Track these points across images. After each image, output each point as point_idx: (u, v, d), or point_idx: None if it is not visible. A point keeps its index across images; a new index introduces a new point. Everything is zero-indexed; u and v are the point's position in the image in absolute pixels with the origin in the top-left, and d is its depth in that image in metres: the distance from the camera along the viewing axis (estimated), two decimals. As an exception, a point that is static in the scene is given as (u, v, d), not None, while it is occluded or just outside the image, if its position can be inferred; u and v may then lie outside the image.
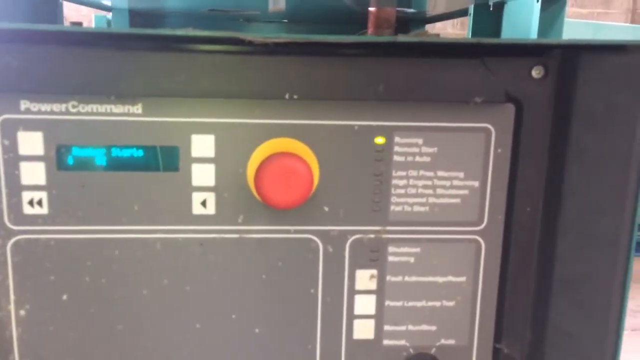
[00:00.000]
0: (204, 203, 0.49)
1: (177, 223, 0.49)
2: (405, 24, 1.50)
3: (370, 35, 0.71)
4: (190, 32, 0.43)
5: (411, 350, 0.54)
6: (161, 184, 0.49)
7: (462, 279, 0.53)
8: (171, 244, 0.50)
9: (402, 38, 0.48)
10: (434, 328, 0.54)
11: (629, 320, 2.46)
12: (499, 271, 0.53)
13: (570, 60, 0.48)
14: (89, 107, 0.47)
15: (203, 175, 0.49)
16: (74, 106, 0.47)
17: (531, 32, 0.85)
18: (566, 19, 0.85)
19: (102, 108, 0.47)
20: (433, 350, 0.54)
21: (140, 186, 0.48)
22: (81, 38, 0.46)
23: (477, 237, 0.52)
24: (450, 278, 0.53)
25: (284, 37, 0.44)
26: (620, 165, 0.49)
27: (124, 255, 0.49)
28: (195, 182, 0.49)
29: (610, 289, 0.51)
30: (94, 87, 0.46)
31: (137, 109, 0.47)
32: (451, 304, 0.53)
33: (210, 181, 0.49)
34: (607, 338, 0.51)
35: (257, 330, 0.52)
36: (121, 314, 0.50)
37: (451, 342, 0.54)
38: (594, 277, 0.51)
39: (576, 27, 2.05)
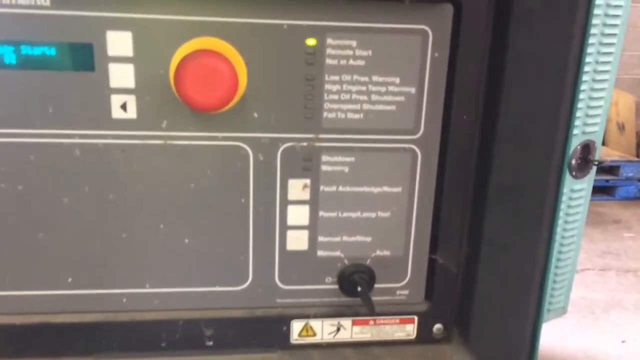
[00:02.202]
0: (124, 106, 0.47)
1: (96, 128, 0.47)
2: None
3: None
4: None
5: (346, 262, 0.53)
6: (76, 85, 0.46)
7: (398, 189, 0.52)
8: (91, 150, 0.47)
9: None
10: (369, 239, 0.53)
11: (597, 261, 2.54)
12: (435, 181, 0.52)
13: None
14: (-9, -1, 0.43)
15: (121, 76, 0.46)
16: (-26, -3, 0.43)
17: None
18: None
19: (6, 0, 0.43)
20: (368, 262, 0.54)
21: (54, 87, 0.45)
22: None
23: (413, 146, 0.51)
24: (386, 188, 0.52)
25: None
26: (556, 71, 0.47)
27: (40, 161, 0.47)
28: (114, 83, 0.46)
29: (544, 199, 0.50)
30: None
31: (45, 1, 0.44)
32: (386, 214, 0.52)
33: (130, 82, 0.46)
34: (539, 249, 0.51)
35: (186, 241, 0.51)
36: (41, 223, 0.48)
37: (386, 253, 0.54)
38: (528, 187, 0.50)
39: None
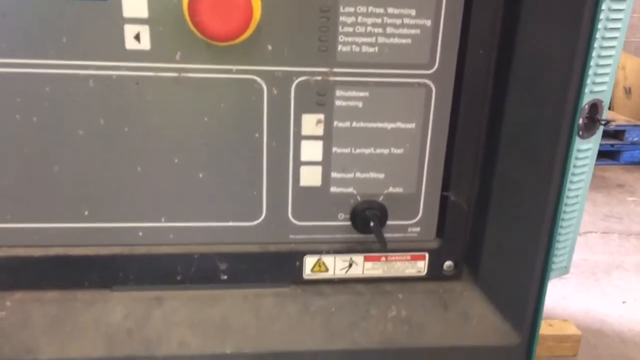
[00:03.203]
0: (137, 37, 0.46)
1: (110, 59, 0.47)
2: None
3: None
4: None
5: (359, 198, 0.54)
6: (90, 14, 0.45)
7: (412, 125, 0.52)
8: (105, 82, 0.47)
9: None
10: (381, 176, 0.53)
11: (600, 224, 2.56)
12: (450, 117, 0.52)
13: None
14: None
15: (134, 4, 0.45)
16: None
17: None
18: None
19: None
20: (381, 199, 0.54)
21: (67, 16, 0.45)
22: None
23: (427, 81, 0.50)
24: (399, 124, 0.52)
25: None
26: (572, 13, 0.46)
27: (55, 92, 0.47)
28: (127, 12, 0.46)
29: (558, 138, 0.50)
30: None
31: None
32: (400, 151, 0.53)
33: (143, 12, 0.46)
34: (551, 188, 0.51)
35: (201, 176, 0.51)
36: (57, 156, 0.49)
37: (399, 190, 0.54)
38: (543, 125, 0.50)
39: None
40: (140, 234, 0.52)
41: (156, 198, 0.51)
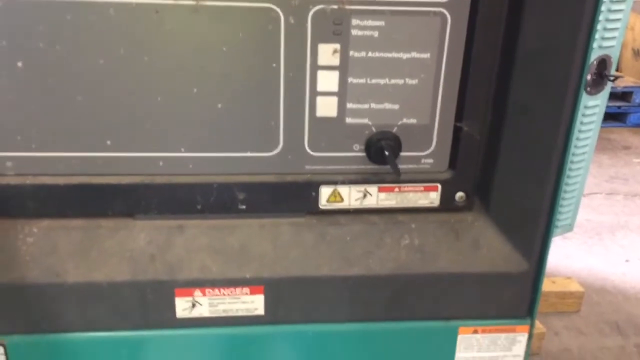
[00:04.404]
0: (156, -37, 0.47)
1: (130, -15, 0.47)
2: None
3: None
4: None
5: (373, 129, 0.55)
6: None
7: (426, 55, 0.52)
8: (125, 10, 0.48)
9: None
10: (396, 107, 0.54)
11: (605, 186, 2.56)
12: (464, 47, 0.52)
13: None
14: None
15: None
16: None
17: None
18: None
19: None
20: (395, 129, 0.55)
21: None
22: None
23: (443, 9, 0.51)
24: (414, 54, 0.52)
25: None
26: None
27: (76, 20, 0.48)
28: (146, -62, 0.46)
29: (571, 62, 0.50)
30: None
31: None
32: (414, 82, 0.53)
33: (162, -62, 0.46)
34: (564, 113, 0.52)
35: (219, 106, 0.52)
36: (79, 85, 0.50)
37: (413, 121, 0.55)
38: (556, 50, 0.51)
39: None
40: (161, 163, 0.53)
41: (176, 128, 0.52)
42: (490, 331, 0.59)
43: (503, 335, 0.59)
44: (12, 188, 0.52)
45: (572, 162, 1.03)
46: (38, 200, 0.52)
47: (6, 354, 0.53)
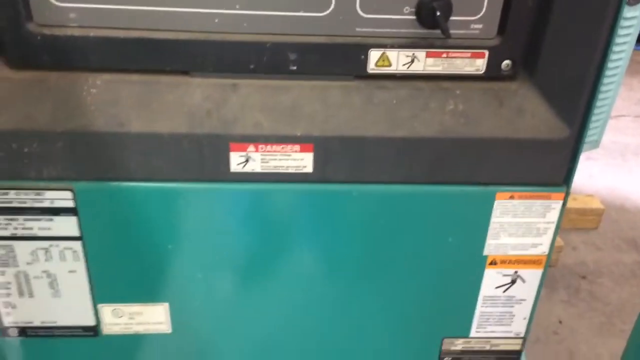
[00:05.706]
0: None
1: None
2: None
3: None
4: None
5: None
6: None
7: None
8: None
9: None
10: None
11: (634, 108, 2.52)
12: None
13: None
14: None
15: None
16: None
17: None
18: None
19: None
20: None
21: None
22: None
23: None
24: None
25: None
26: None
27: None
28: None
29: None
30: None
31: None
32: None
33: None
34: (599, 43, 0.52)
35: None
36: None
37: None
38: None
39: None
40: (216, 20, 0.55)
41: None
42: (526, 197, 0.62)
43: (538, 202, 0.62)
44: (76, 39, 0.54)
45: (605, 76, 1.02)
46: (100, 53, 0.54)
47: (75, 198, 0.57)
